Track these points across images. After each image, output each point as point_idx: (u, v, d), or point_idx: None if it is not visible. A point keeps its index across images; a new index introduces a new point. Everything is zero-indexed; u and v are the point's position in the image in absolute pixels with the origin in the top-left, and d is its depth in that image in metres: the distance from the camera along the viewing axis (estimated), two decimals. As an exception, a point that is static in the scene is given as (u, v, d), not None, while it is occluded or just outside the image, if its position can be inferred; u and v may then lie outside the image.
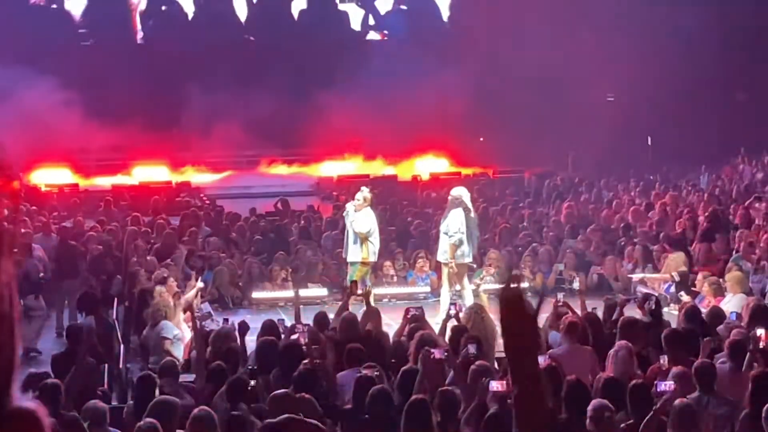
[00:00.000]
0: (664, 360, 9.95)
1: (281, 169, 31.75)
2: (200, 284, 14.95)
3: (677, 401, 8.32)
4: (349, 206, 16.77)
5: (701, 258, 17.31)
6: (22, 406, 1.62)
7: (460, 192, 16.17)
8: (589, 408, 8.19)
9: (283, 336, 11.55)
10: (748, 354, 9.74)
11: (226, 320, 12.76)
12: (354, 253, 16.35)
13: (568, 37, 29.14)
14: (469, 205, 16.06)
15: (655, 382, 8.91)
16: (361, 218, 16.36)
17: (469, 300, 15.23)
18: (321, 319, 12.41)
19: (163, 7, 33.95)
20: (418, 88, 29.82)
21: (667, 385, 8.73)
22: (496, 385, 8.54)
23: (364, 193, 16.66)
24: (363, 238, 16.27)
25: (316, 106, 31.67)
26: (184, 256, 17.29)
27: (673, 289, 16.43)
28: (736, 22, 29.13)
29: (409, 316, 11.90)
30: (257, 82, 30.80)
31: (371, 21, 34.84)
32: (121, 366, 12.75)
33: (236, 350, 10.87)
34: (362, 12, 34.97)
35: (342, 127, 30.70)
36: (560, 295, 13.70)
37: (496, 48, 29.91)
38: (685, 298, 14.90)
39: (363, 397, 8.96)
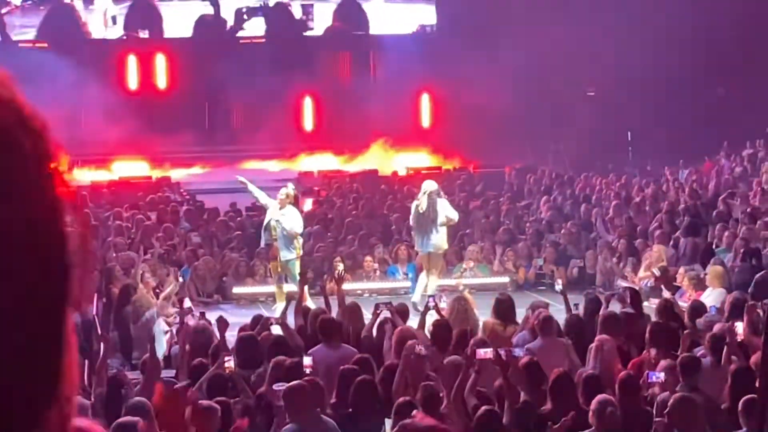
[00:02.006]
0: (653, 353, 9.98)
1: (262, 164, 31.62)
2: (176, 283, 14.96)
3: (676, 394, 8.35)
4: (273, 204, 16.60)
5: (688, 252, 17.35)
6: (81, 426, 1.51)
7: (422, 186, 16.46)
8: (594, 402, 8.23)
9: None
10: (726, 348, 9.77)
11: (202, 314, 12.74)
12: (289, 252, 16.26)
13: (548, 32, 29.12)
14: (420, 196, 16.19)
15: (647, 372, 8.94)
16: (290, 217, 16.27)
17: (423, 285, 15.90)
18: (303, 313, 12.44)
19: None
20: (401, 84, 29.85)
21: (657, 376, 8.78)
22: (483, 352, 8.91)
23: (288, 189, 16.61)
24: (294, 236, 16.27)
25: (297, 101, 31.71)
26: (157, 253, 17.23)
27: (651, 282, 16.47)
28: (717, 16, 29.16)
29: (378, 312, 11.89)
30: (240, 78, 30.70)
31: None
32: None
33: (217, 346, 10.82)
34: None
35: (323, 121, 30.73)
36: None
37: (477, 44, 29.89)
38: (666, 294, 14.94)
39: (347, 390, 8.97)
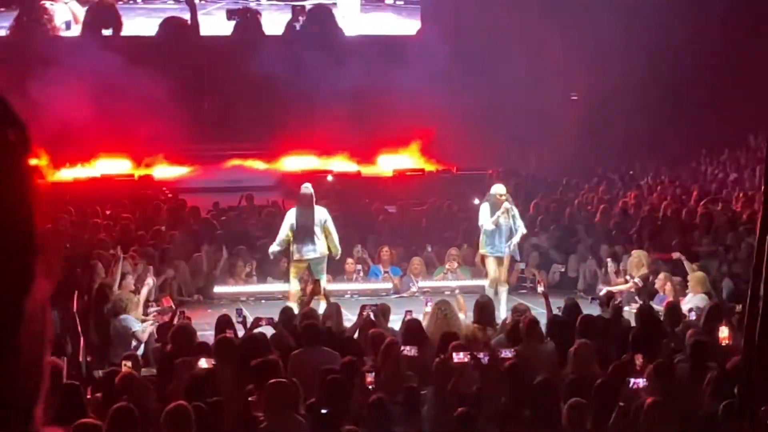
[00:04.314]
0: (639, 359, 9.99)
1: (245, 164, 31.61)
2: (151, 281, 14.94)
3: (649, 399, 8.38)
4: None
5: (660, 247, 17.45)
6: None
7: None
8: (567, 405, 8.26)
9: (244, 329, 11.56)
10: (707, 353, 9.80)
11: (182, 312, 12.70)
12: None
13: (532, 35, 29.19)
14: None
15: (628, 379, 8.97)
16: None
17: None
18: (289, 313, 12.41)
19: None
20: (382, 85, 29.87)
21: (638, 382, 8.80)
22: (458, 356, 9.18)
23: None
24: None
25: (282, 102, 31.68)
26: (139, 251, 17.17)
27: (634, 280, 16.51)
28: (699, 23, 29.28)
29: (364, 313, 11.89)
30: (223, 77, 30.69)
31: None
32: (81, 359, 12.68)
33: (203, 345, 10.79)
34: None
35: (308, 123, 30.66)
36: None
37: (460, 46, 29.94)
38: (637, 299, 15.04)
39: (326, 390, 8.97)
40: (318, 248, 15.85)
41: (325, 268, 15.96)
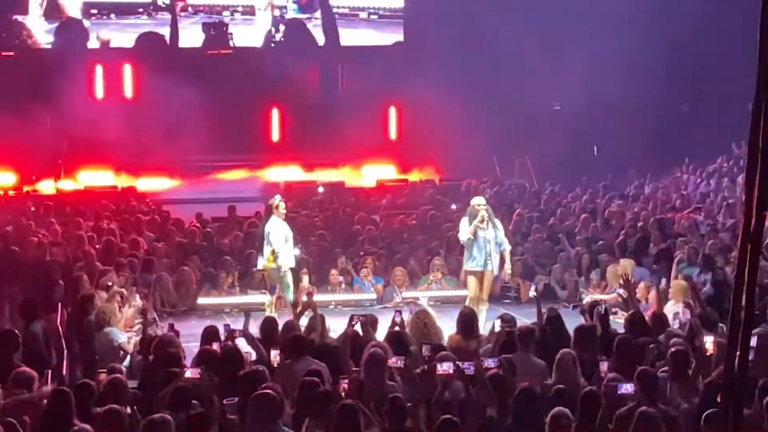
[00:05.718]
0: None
1: (229, 175, 31.56)
2: (139, 302, 14.92)
3: (641, 409, 8.39)
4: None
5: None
6: None
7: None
8: (549, 415, 8.28)
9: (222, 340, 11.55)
10: (695, 362, 9.83)
11: (171, 326, 12.68)
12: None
13: (514, 45, 29.24)
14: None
15: (617, 385, 8.98)
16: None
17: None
18: (270, 325, 12.39)
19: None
20: (365, 95, 29.91)
21: (627, 388, 8.81)
22: (442, 368, 9.19)
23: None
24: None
25: (264, 112, 31.70)
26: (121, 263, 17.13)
27: (620, 290, 16.52)
28: (680, 31, 29.39)
29: (353, 323, 11.87)
30: (207, 88, 30.66)
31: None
32: (64, 372, 12.64)
33: (178, 356, 10.76)
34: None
35: (291, 133, 30.70)
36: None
37: (443, 55, 29.98)
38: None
39: (308, 399, 8.97)
40: (263, 260, 15.76)
41: (287, 282, 15.72)
